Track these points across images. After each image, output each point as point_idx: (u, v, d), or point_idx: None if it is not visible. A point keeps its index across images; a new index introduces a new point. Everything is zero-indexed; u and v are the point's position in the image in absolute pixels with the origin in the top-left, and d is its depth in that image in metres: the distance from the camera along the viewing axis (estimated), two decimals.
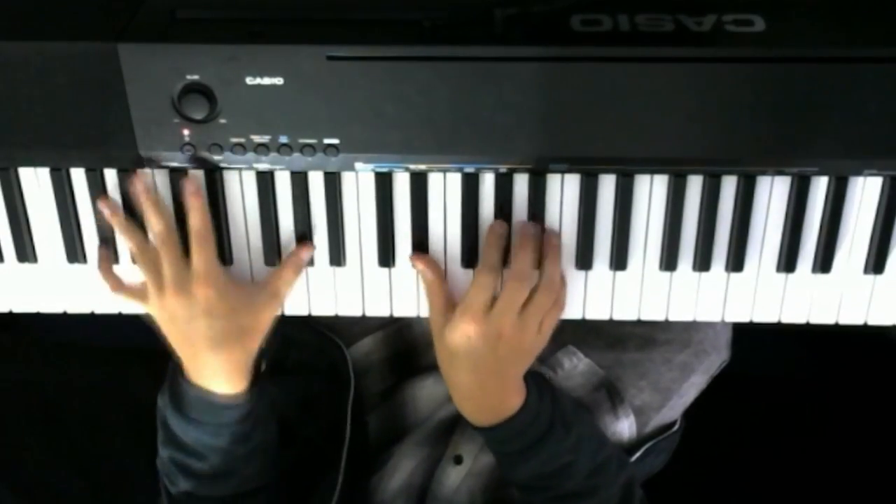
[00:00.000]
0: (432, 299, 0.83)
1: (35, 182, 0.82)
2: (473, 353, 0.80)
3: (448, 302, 0.82)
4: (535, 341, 0.82)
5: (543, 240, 0.82)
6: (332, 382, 0.88)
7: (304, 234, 0.83)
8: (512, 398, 0.82)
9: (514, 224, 0.82)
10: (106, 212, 0.82)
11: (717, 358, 1.02)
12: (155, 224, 0.79)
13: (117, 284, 0.83)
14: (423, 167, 0.80)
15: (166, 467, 0.87)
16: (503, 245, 0.81)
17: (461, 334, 0.79)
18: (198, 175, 0.81)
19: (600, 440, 0.88)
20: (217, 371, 0.81)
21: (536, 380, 0.85)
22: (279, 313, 0.85)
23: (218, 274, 0.80)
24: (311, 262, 0.84)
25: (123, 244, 0.84)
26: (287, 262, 0.84)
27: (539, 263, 0.81)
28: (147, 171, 0.81)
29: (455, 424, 0.95)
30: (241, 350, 0.82)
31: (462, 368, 0.81)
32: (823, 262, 0.83)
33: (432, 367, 0.93)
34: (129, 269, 0.85)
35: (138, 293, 0.82)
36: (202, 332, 0.79)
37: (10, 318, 0.88)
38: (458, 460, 0.94)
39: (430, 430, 0.96)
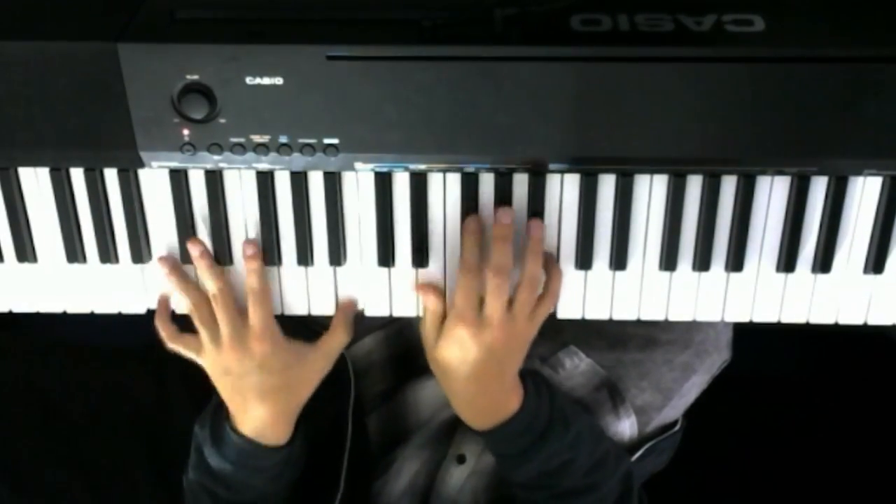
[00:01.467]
0: (428, 317, 0.83)
1: (35, 182, 0.82)
2: (470, 358, 0.79)
3: (443, 316, 0.82)
4: (526, 334, 0.82)
5: (526, 232, 0.81)
6: (332, 384, 0.88)
7: (304, 236, 0.83)
8: (511, 399, 0.82)
9: (496, 215, 0.80)
10: (165, 269, 0.84)
11: (718, 358, 1.02)
12: (212, 285, 0.82)
13: (173, 335, 0.85)
14: (423, 167, 0.80)
15: (194, 490, 0.88)
16: (480, 241, 0.80)
17: (455, 342, 0.79)
18: (199, 176, 0.81)
19: (598, 436, 0.88)
20: (264, 422, 0.83)
21: (534, 378, 0.85)
22: (328, 371, 0.87)
23: (274, 331, 0.82)
24: (310, 262, 0.84)
25: (122, 243, 0.84)
26: (338, 324, 0.86)
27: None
28: (201, 237, 0.83)
29: (457, 424, 0.94)
30: (287, 404, 0.84)
31: (461, 375, 0.81)
32: (823, 262, 0.83)
33: None
34: (128, 269, 0.85)
35: (194, 345, 0.84)
36: (254, 386, 0.82)
37: (10, 318, 0.88)
38: (462, 459, 0.94)
39: (432, 431, 0.96)
